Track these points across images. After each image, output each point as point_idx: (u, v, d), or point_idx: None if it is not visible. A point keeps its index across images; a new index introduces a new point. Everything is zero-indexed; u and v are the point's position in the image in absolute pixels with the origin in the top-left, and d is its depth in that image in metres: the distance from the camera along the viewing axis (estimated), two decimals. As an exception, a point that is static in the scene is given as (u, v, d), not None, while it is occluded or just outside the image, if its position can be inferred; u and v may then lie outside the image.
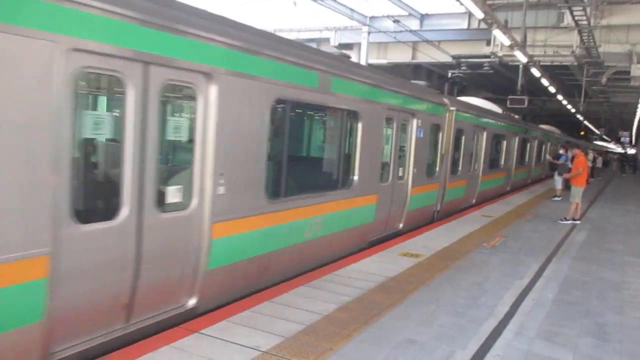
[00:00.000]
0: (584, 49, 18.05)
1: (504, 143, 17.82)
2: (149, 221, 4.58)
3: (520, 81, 20.94)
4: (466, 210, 13.64)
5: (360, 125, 8.02)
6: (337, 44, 21.90)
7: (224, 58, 5.16)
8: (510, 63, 19.52)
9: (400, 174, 9.88)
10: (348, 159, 8.09)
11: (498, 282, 7.02)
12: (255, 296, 5.74)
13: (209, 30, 4.96)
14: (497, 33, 13.95)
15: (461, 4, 11.69)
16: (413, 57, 22.17)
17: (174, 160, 5.51)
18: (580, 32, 16.47)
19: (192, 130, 5.12)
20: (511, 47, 14.91)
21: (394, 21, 17.78)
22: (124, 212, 4.37)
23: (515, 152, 19.49)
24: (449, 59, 20.79)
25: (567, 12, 15.31)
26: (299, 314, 5.28)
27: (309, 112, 7.96)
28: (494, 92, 29.26)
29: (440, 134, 11.64)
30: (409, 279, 6.79)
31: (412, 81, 12.37)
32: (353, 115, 7.97)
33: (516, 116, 21.78)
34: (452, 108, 12.20)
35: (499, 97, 26.36)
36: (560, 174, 17.73)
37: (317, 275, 6.63)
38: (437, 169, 11.67)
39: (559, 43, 18.16)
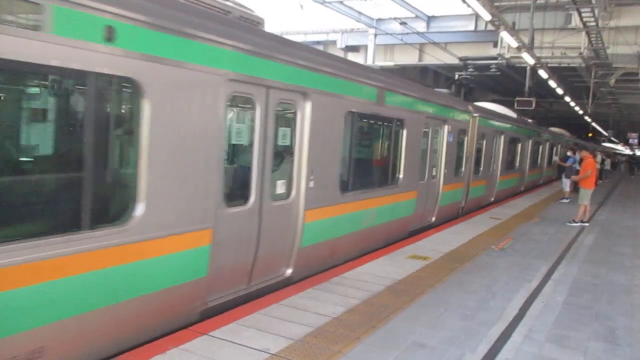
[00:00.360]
0: (592, 50, 17.98)
1: (519, 146, 19.06)
2: (266, 207, 6.02)
3: (527, 83, 20.87)
4: (485, 207, 14.82)
5: (405, 132, 9.46)
6: (343, 46, 21.93)
7: (315, 80, 6.58)
8: (518, 65, 19.47)
9: (434, 173, 11.31)
10: (395, 159, 9.38)
11: (507, 285, 7.00)
12: (264, 299, 5.75)
13: (307, 60, 6.43)
14: (504, 35, 13.92)
15: (468, 5, 11.67)
16: (420, 59, 22.16)
17: (282, 160, 6.57)
18: (588, 34, 16.40)
19: (293, 137, 6.49)
20: (519, 48, 14.87)
21: (401, 23, 17.79)
22: (252, 199, 5.80)
23: (529, 155, 20.64)
24: (455, 61, 20.78)
25: (575, 13, 15.26)
26: (308, 317, 5.28)
27: (369, 121, 9.00)
28: (501, 94, 29.16)
29: (466, 138, 13.17)
30: (417, 282, 6.78)
31: (436, 89, 13.79)
32: (400, 123, 9.36)
33: (530, 120, 22.67)
34: (476, 115, 13.57)
35: (506, 99, 26.27)
36: (567, 177, 17.65)
37: (325, 278, 6.63)
38: (463, 169, 13.16)
39: (566, 44, 18.09)
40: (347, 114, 7.42)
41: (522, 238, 10.39)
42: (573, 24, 16.95)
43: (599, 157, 25.49)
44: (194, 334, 4.70)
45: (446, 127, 11.46)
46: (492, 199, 16.14)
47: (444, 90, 14.27)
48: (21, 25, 3.38)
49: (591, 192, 12.77)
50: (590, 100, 26.35)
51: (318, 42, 22.28)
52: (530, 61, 16.32)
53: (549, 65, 18.90)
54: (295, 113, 6.44)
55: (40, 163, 4.28)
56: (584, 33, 16.64)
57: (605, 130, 48.58)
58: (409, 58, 21.99)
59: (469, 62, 21.02)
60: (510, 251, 9.12)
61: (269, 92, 5.85)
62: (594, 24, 15.27)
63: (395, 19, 18.12)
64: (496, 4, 14.40)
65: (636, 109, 33.84)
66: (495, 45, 19.30)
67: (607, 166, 31.61)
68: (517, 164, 18.99)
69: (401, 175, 9.40)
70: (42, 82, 4.05)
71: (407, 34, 18.69)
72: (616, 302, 6.72)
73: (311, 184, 6.64)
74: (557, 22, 17.67)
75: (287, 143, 6.45)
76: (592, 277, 7.86)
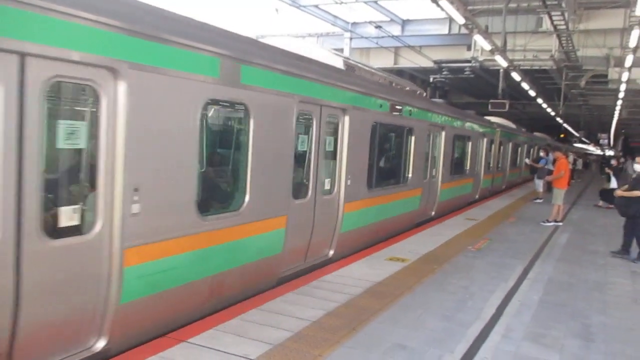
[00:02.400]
0: (563, 53, 18.34)
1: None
2: (319, 201, 7.45)
3: (501, 85, 21.19)
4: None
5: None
6: (319, 50, 21.97)
7: (353, 99, 8.09)
8: (491, 67, 19.76)
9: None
10: (411, 162, 10.98)
11: (484, 285, 7.08)
12: (244, 303, 5.71)
13: (346, 82, 7.94)
14: (477, 38, 14.13)
15: (442, 9, 11.81)
16: (395, 63, 22.32)
17: (330, 164, 7.97)
18: (559, 37, 16.72)
19: (335, 144, 7.94)
20: (492, 51, 15.11)
21: (376, 27, 17.90)
22: (310, 194, 7.25)
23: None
24: (430, 64, 20.99)
25: (546, 17, 15.54)
26: (288, 321, 5.26)
27: (391, 131, 10.48)
28: (476, 96, 29.55)
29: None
30: (396, 284, 6.82)
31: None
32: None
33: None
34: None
35: (481, 101, 26.64)
36: (540, 177, 17.95)
37: (305, 282, 6.62)
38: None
39: (538, 47, 18.44)
40: (373, 126, 8.98)
41: (498, 238, 10.54)
42: (544, 27, 17.27)
43: (571, 158, 26.05)
44: (173, 341, 4.64)
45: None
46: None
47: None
48: (229, 79, 5.43)
49: (564, 191, 13.02)
50: (561, 102, 26.88)
51: (294, 46, 22.32)
52: (503, 64, 16.58)
53: (521, 67, 19.24)
54: (337, 125, 7.94)
55: (223, 170, 6.50)
56: (554, 36, 16.97)
57: (577, 131, 49.65)
58: (384, 61, 22.12)
59: (444, 65, 21.26)
60: (487, 251, 9.24)
61: (322, 110, 7.36)
62: (564, 27, 15.58)
63: (370, 22, 18.23)
64: (469, 7, 14.61)
65: (605, 110, 34.62)
66: (469, 48, 19.56)
67: (579, 166, 32.29)
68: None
69: (410, 175, 11.07)
70: (234, 111, 6.41)
71: (383, 37, 18.80)
72: (590, 299, 6.86)
73: (349, 182, 8.13)
74: (528, 26, 17.99)
75: (332, 149, 7.92)
76: (566, 275, 8.01)
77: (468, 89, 28.40)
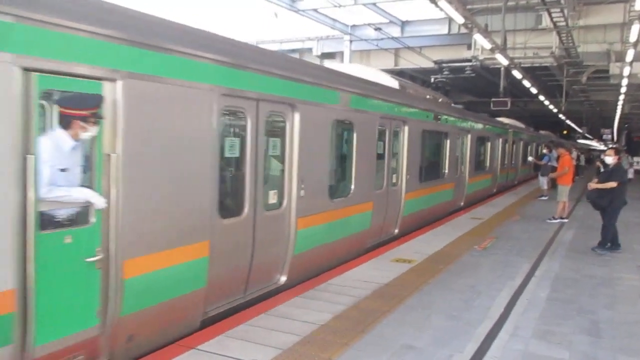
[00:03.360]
0: (563, 49, 18.34)
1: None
2: (390, 190, 9.73)
3: (502, 83, 21.17)
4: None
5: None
6: (319, 53, 21.99)
7: (410, 113, 10.38)
8: (492, 66, 19.75)
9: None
10: (445, 161, 13.20)
11: (491, 284, 7.08)
12: (251, 309, 5.72)
13: (404, 99, 10.33)
14: (477, 37, 14.13)
15: (441, 9, 11.83)
16: (396, 64, 22.33)
17: (395, 162, 10.02)
18: (559, 33, 16.73)
19: (398, 147, 10.06)
20: (492, 50, 15.11)
21: (376, 29, 17.92)
22: (384, 186, 9.48)
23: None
24: (431, 65, 20.99)
25: (545, 14, 15.55)
26: (296, 325, 5.28)
27: (433, 136, 12.36)
28: (477, 95, 29.53)
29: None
30: (403, 285, 6.82)
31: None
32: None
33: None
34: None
35: (482, 100, 26.63)
36: (543, 175, 17.92)
37: (311, 285, 6.63)
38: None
39: (538, 45, 18.43)
40: (422, 132, 11.12)
41: (503, 237, 10.53)
42: (544, 24, 17.26)
43: (574, 154, 26.00)
44: (182, 348, 4.66)
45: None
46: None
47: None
48: (343, 105, 7.77)
49: (569, 188, 12.99)
50: (563, 98, 26.84)
51: (294, 50, 22.33)
52: (504, 62, 16.58)
53: (522, 65, 19.21)
54: (399, 133, 10.07)
55: (341, 168, 8.35)
56: (554, 33, 16.97)
57: (580, 127, 49.50)
58: (385, 63, 22.14)
59: (444, 65, 21.26)
60: (493, 250, 9.23)
61: (391, 122, 9.53)
62: (563, 23, 15.58)
63: (369, 25, 18.26)
64: (468, 7, 14.62)
65: (607, 105, 34.54)
66: (469, 47, 19.55)
67: (582, 162, 32.19)
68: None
69: (446, 171, 13.35)
70: (348, 127, 8.21)
71: (382, 39, 18.83)
72: (598, 295, 6.85)
73: (408, 177, 10.31)
74: (528, 23, 17.98)
75: (398, 152, 10.10)
76: (573, 272, 7.99)
77: (469, 89, 28.38)
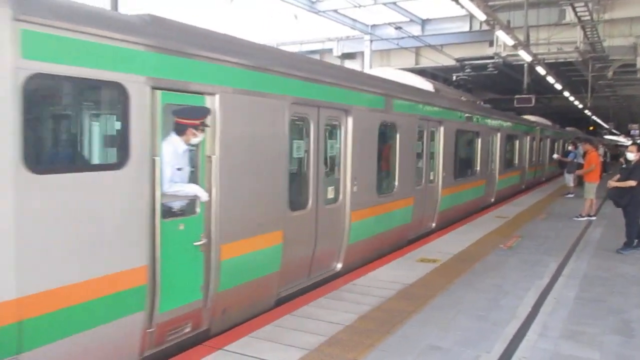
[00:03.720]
0: (588, 44, 17.98)
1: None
2: (427, 186, 10.49)
3: (525, 80, 20.86)
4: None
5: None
6: (340, 54, 21.98)
7: (445, 114, 11.15)
8: (515, 63, 19.47)
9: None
10: (477, 159, 13.93)
11: (517, 283, 6.99)
12: (277, 310, 5.76)
13: (440, 102, 11.09)
14: (500, 34, 13.96)
15: (462, 7, 11.72)
16: (416, 63, 22.18)
17: (433, 160, 10.92)
18: (583, 28, 16.41)
19: (435, 146, 10.88)
20: (515, 46, 14.88)
21: (396, 28, 17.84)
22: (423, 183, 10.26)
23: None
24: (452, 63, 20.79)
25: (569, 8, 15.28)
26: (321, 326, 5.28)
27: (465, 135, 13.11)
28: (500, 92, 29.17)
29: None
30: (428, 285, 6.78)
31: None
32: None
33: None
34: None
35: (505, 97, 26.28)
36: (569, 172, 17.60)
37: (336, 286, 6.64)
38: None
39: (562, 40, 18.10)
40: (456, 132, 11.95)
41: (529, 235, 10.38)
42: (568, 19, 16.96)
43: (601, 150, 25.55)
44: (210, 349, 4.70)
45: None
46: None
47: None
48: (388, 109, 8.59)
49: (596, 185, 12.75)
50: (589, 94, 26.33)
51: (314, 52, 22.34)
52: (527, 58, 16.33)
53: (546, 61, 18.89)
54: (435, 133, 10.85)
55: (384, 166, 8.91)
56: (579, 27, 16.65)
57: (606, 122, 48.51)
58: (405, 62, 22.02)
59: (466, 62, 21.04)
60: (519, 249, 9.11)
61: (428, 123, 10.34)
62: (588, 17, 15.28)
63: (390, 24, 18.18)
64: (490, 3, 14.42)
65: (635, 99, 33.78)
66: (491, 44, 19.30)
67: (608, 159, 31.52)
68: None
69: (477, 168, 14.07)
70: (392, 129, 8.99)
71: (403, 38, 18.72)
72: (628, 294, 6.70)
73: (444, 174, 11.14)
74: (551, 18, 17.69)
75: (435, 151, 11.04)
76: (602, 270, 7.84)
77: (492, 86, 28.03)
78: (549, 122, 26.35)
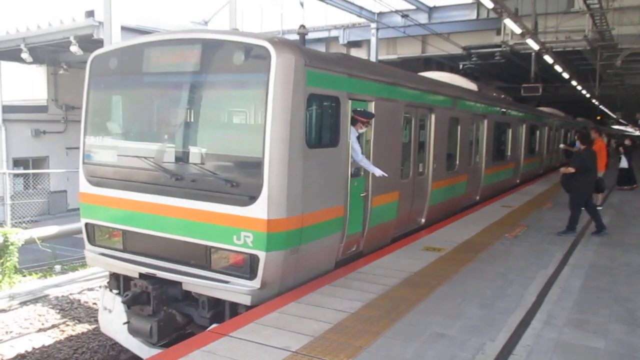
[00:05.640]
0: (597, 32, 17.77)
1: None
2: (471, 167, 12.54)
3: (533, 69, 20.69)
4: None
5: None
6: (345, 42, 21.86)
7: (488, 110, 13.57)
8: (522, 51, 19.29)
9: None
10: (508, 145, 16.14)
11: (523, 272, 6.99)
12: (282, 297, 5.78)
13: (484, 100, 13.54)
14: (507, 22, 13.85)
15: (470, -6, 11.61)
16: (423, 51, 22.01)
17: (478, 148, 13.25)
18: (592, 16, 16.22)
19: (480, 136, 13.27)
20: (522, 35, 14.78)
21: (403, 16, 17.71)
22: (473, 163, 12.69)
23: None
24: (459, 51, 20.63)
25: (578, -4, 15.11)
26: (327, 313, 5.31)
27: (500, 126, 15.18)
28: (506, 81, 28.96)
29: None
30: (433, 274, 6.79)
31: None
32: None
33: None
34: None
35: (512, 86, 26.11)
36: None
37: (341, 274, 6.66)
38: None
39: (570, 28, 17.88)
40: (494, 124, 14.22)
41: (535, 225, 10.35)
42: (576, 7, 16.77)
43: (604, 139, 25.66)
44: (216, 335, 4.74)
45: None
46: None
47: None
48: (453, 107, 11.16)
49: (601, 174, 12.66)
50: (597, 83, 26.09)
51: (320, 39, 22.23)
52: (535, 47, 16.21)
53: (553, 49, 18.74)
54: (481, 123, 13.23)
55: (449, 150, 11.03)
56: (587, 15, 16.45)
57: (614, 112, 48.14)
58: (411, 50, 21.88)
59: (473, 51, 20.88)
60: (525, 238, 9.10)
61: (474, 117, 12.53)
62: (597, 5, 15.10)
63: (396, 11, 18.05)
64: (497, -9, 14.28)
65: (644, 89, 33.43)
66: (499, 32, 19.11)
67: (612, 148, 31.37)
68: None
69: (508, 154, 16.37)
70: (456, 122, 11.30)
71: (409, 26, 18.59)
72: (634, 283, 6.69)
73: (487, 158, 13.48)
74: (559, 6, 17.50)
75: (476, 140, 13.05)
76: (608, 259, 7.83)
77: (499, 74, 27.83)
78: (561, 113, 27.71)
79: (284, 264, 5.81)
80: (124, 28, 12.73)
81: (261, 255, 5.63)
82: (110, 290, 6.95)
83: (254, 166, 5.73)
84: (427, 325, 5.09)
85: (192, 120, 6.29)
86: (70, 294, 9.69)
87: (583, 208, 9.70)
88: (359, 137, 7.16)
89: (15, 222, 12.98)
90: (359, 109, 7.04)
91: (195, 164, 6.04)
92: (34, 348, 7.67)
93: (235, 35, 6.11)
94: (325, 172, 6.41)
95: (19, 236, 10.70)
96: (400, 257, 7.57)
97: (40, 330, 8.32)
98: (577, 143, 10.21)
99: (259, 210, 5.60)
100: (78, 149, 7.09)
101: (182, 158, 6.20)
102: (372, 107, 7.45)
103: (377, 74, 7.95)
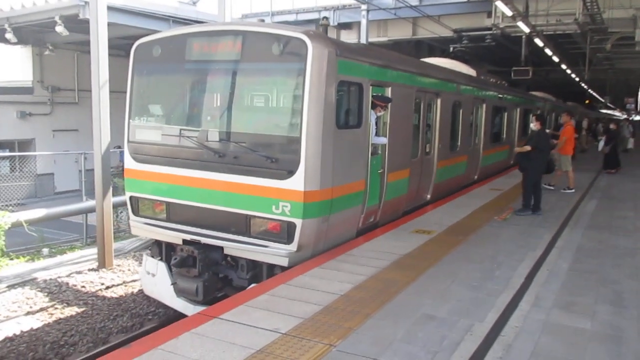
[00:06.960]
0: (588, 16, 17.75)
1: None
2: (474, 149, 13.59)
3: (523, 52, 20.66)
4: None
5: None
6: (336, 23, 21.66)
7: (487, 95, 14.38)
8: (513, 34, 19.24)
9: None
10: (504, 128, 17.11)
11: (511, 255, 7.03)
12: (272, 280, 5.79)
13: (483, 85, 14.55)
14: (498, 4, 13.79)
15: (461, -24, 11.51)
16: (414, 33, 21.89)
17: (478, 128, 14.09)
18: (583, -1, 16.20)
19: (480, 120, 14.03)
20: (513, 17, 14.72)
21: (394, -2, 17.53)
22: (474, 144, 13.63)
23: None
24: (450, 34, 20.54)
25: (569, -21, 15.05)
26: (316, 295, 5.32)
27: (498, 110, 16.24)
28: (497, 64, 28.93)
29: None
30: (423, 256, 6.81)
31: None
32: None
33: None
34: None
35: (502, 69, 26.09)
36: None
37: (331, 256, 6.66)
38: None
39: (561, 11, 17.87)
40: (492, 108, 15.14)
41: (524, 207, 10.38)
42: (567, -10, 16.73)
43: (585, 123, 26.51)
44: (205, 317, 4.73)
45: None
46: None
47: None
48: (456, 91, 11.98)
49: (569, 157, 12.80)
50: (586, 67, 26.15)
51: (310, 21, 22.00)
52: (526, 30, 16.17)
53: (544, 33, 18.71)
54: (479, 108, 13.95)
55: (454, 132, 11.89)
56: (578, -2, 16.43)
57: (602, 96, 48.38)
58: (402, 33, 21.74)
59: (463, 33, 20.79)
60: (513, 221, 9.16)
61: (474, 100, 13.29)
62: (588, -12, 15.08)
63: (387, -7, 17.87)
64: (489, -28, 14.20)
65: (633, 73, 33.59)
66: (490, 15, 19.02)
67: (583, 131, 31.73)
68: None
69: (504, 136, 17.40)
70: (458, 105, 12.16)
71: (400, 8, 18.44)
72: (621, 265, 6.77)
73: (488, 140, 14.47)
74: (551, -11, 17.43)
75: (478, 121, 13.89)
76: (596, 242, 7.90)
77: (489, 57, 27.77)
78: (553, 98, 28.29)
79: (317, 230, 6.54)
80: (110, 8, 12.48)
81: (298, 222, 6.34)
82: (153, 257, 7.65)
83: (292, 144, 6.41)
84: (417, 306, 5.12)
85: (234, 103, 7.02)
86: (59, 277, 9.62)
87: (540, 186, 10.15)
88: (377, 120, 7.80)
89: (2, 205, 12.83)
90: (378, 94, 7.72)
91: (237, 142, 6.72)
92: (22, 331, 7.62)
93: (275, 29, 6.89)
94: (351, 150, 7.16)
95: (5, 219, 10.58)
96: (390, 240, 7.58)
97: (28, 313, 8.26)
98: (531, 124, 10.56)
99: (296, 182, 6.30)
100: (64, 131, 7.18)
101: (225, 137, 6.86)
102: (389, 93, 8.09)
103: (394, 61, 8.65)
